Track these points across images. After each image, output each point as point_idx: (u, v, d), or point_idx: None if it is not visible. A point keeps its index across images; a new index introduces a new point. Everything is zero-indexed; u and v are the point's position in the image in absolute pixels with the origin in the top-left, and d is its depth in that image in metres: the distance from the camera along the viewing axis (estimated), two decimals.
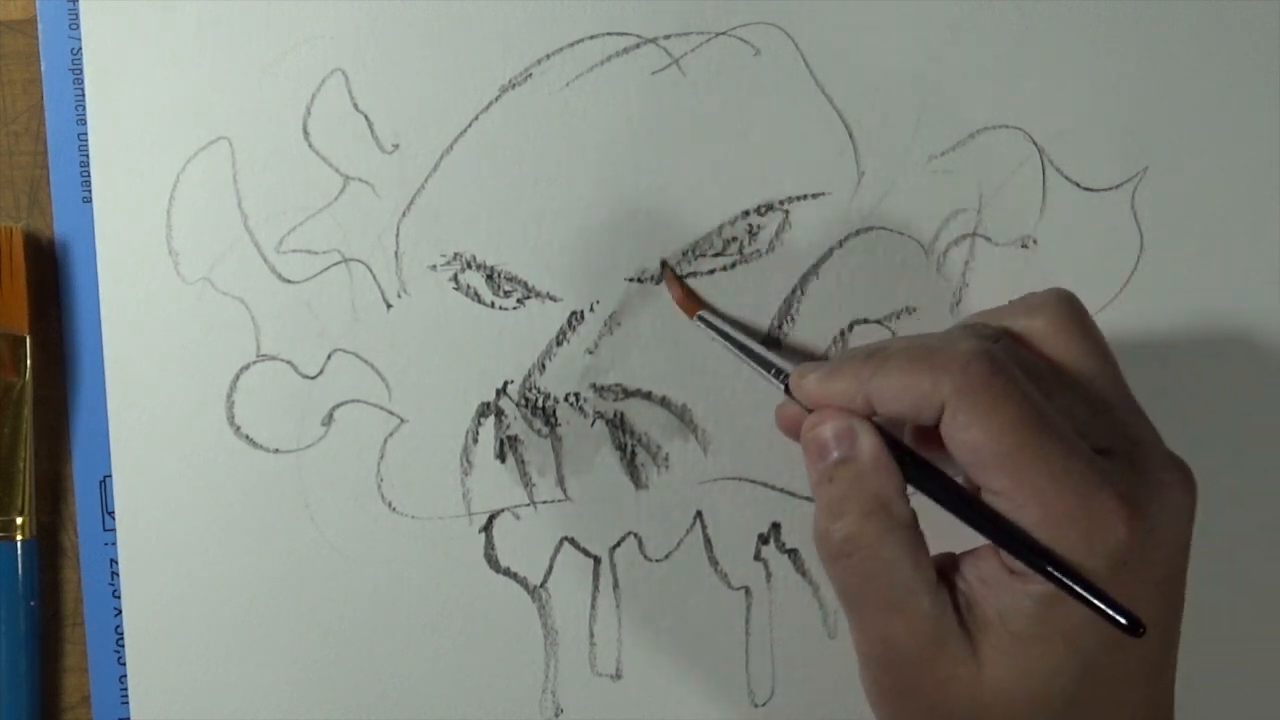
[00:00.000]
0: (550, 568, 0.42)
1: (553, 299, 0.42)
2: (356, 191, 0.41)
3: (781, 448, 0.42)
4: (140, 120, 0.41)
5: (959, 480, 0.34)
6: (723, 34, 0.42)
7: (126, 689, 0.42)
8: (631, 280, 0.42)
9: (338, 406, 0.42)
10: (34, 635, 0.42)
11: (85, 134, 0.41)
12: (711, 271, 0.42)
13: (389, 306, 0.42)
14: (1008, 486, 0.32)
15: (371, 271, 0.41)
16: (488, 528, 0.42)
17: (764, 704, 0.43)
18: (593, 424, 0.42)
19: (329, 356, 0.42)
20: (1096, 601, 0.31)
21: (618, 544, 0.42)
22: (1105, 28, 0.42)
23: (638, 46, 0.41)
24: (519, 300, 0.42)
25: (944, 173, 0.42)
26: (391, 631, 0.42)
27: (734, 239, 0.42)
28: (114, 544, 0.42)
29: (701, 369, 0.42)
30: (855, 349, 0.36)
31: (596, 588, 0.42)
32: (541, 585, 0.42)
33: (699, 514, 0.42)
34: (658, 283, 0.42)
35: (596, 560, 0.42)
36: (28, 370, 0.41)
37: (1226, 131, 0.43)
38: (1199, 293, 0.43)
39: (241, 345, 0.41)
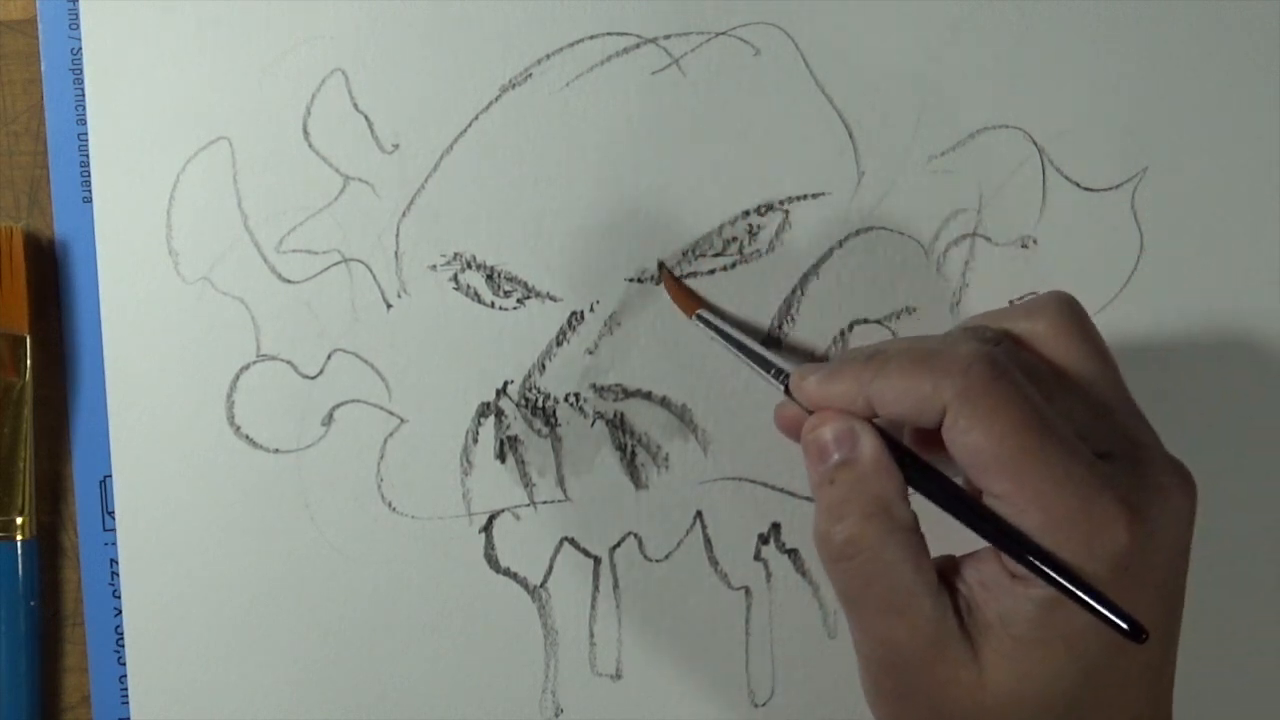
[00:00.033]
0: (550, 568, 0.42)
1: (553, 299, 0.42)
2: (356, 191, 0.41)
3: (781, 448, 0.42)
4: (140, 120, 0.41)
5: (959, 483, 0.34)
6: (723, 34, 0.42)
7: (126, 689, 0.42)
8: (631, 280, 0.42)
9: (338, 406, 0.42)
10: (34, 635, 0.42)
11: (85, 134, 0.41)
12: (711, 271, 0.42)
13: (389, 306, 0.42)
14: (1009, 490, 0.32)
15: (371, 271, 0.41)
16: (488, 528, 0.42)
17: (764, 704, 0.43)
18: (593, 424, 0.42)
19: (329, 356, 0.42)
20: (1099, 606, 0.31)
21: (618, 544, 0.42)
22: (1105, 28, 0.42)
23: (638, 46, 0.41)
24: (519, 300, 0.42)
25: (944, 173, 0.42)
26: (391, 631, 0.42)
27: (734, 239, 0.42)
28: (114, 544, 0.42)
29: (701, 369, 0.42)
30: (855, 350, 0.36)
31: (596, 588, 0.42)
32: (541, 585, 0.42)
33: (699, 514, 0.42)
34: (658, 283, 0.42)
35: (596, 560, 0.42)
36: (28, 370, 0.41)
37: (1226, 131, 0.43)
38: (1199, 293, 0.43)
39: (241, 345, 0.41)
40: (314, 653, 0.42)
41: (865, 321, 0.42)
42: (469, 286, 0.42)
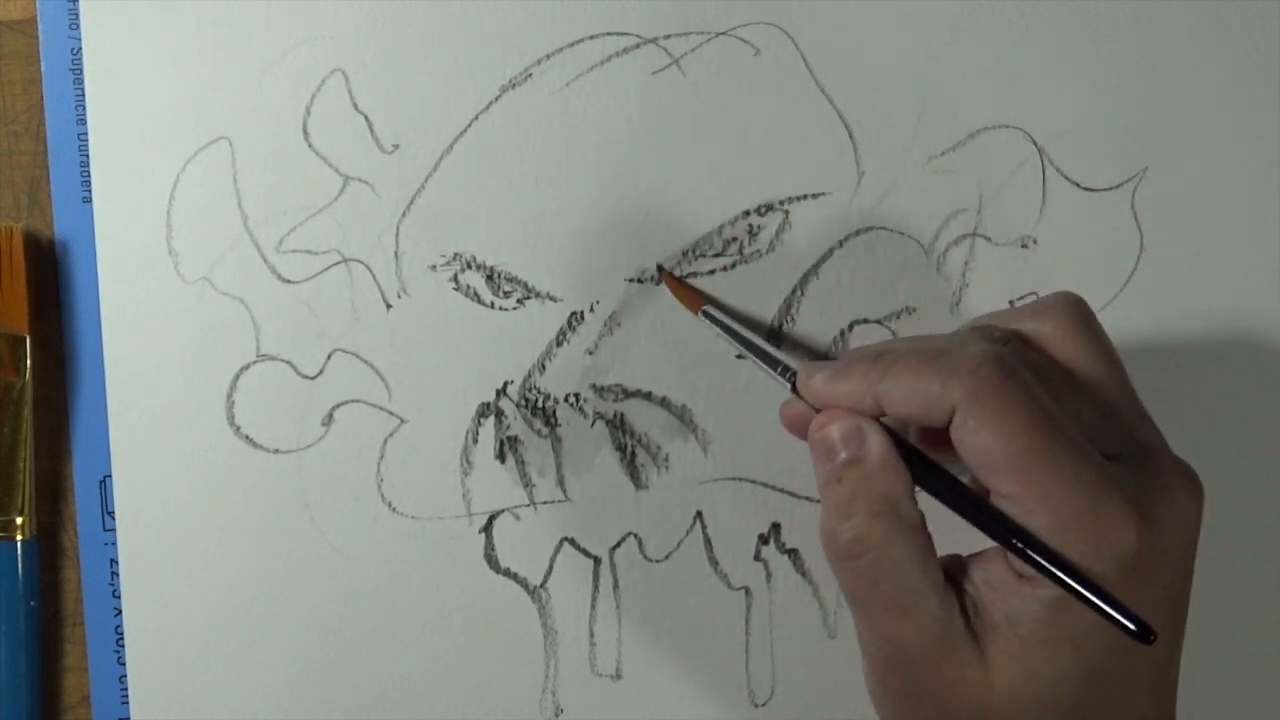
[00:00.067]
0: (550, 568, 0.42)
1: (553, 299, 0.42)
2: (356, 191, 0.41)
3: (781, 448, 0.42)
4: (140, 120, 0.41)
5: (965, 482, 0.34)
6: (723, 34, 0.42)
7: (126, 689, 0.42)
8: (631, 280, 0.42)
9: (338, 406, 0.42)
10: (34, 635, 0.42)
11: (85, 134, 0.41)
12: (711, 272, 0.42)
13: (389, 306, 0.42)
14: (1017, 490, 0.32)
15: (371, 271, 0.41)
16: (488, 528, 0.42)
17: (764, 704, 0.43)
18: (593, 424, 0.42)
19: (329, 356, 0.42)
20: (1107, 608, 0.31)
21: (618, 544, 0.42)
22: (1105, 28, 0.42)
23: (638, 46, 0.41)
24: (519, 300, 0.42)
25: (944, 173, 0.42)
26: (391, 631, 0.42)
27: (734, 239, 0.42)
28: (114, 544, 0.42)
29: (701, 369, 0.42)
30: (863, 349, 0.36)
31: (596, 588, 0.42)
32: (541, 585, 0.42)
33: (699, 514, 0.42)
34: (658, 283, 0.42)
35: (596, 560, 0.42)
36: (28, 370, 0.41)
37: (1226, 131, 0.43)
38: (1199, 293, 0.43)
39: (241, 345, 0.41)
40: (314, 653, 0.42)
41: (865, 321, 0.42)
42: (469, 287, 0.42)
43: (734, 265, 0.42)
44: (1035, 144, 0.42)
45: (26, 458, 0.41)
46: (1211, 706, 0.43)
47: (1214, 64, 0.42)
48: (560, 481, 0.42)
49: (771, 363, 0.38)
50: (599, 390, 0.42)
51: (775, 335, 0.42)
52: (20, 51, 0.42)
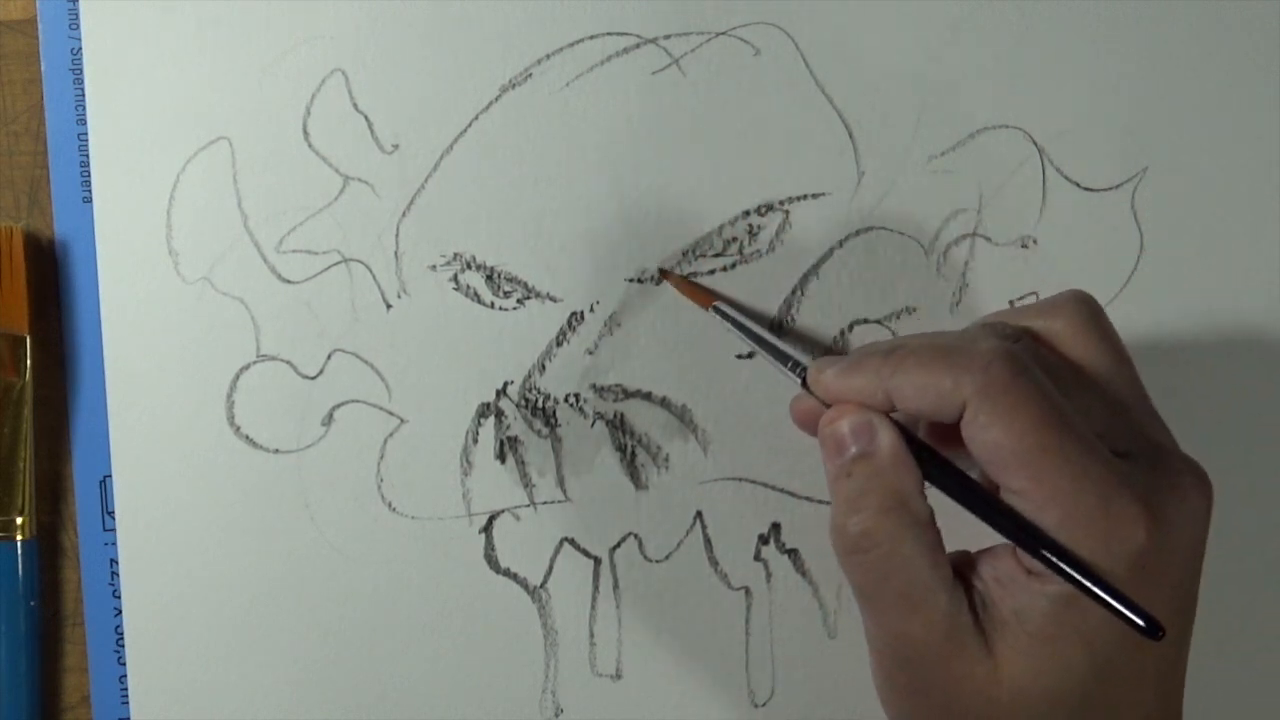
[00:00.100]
0: (550, 568, 0.42)
1: (553, 299, 0.42)
2: (356, 191, 0.41)
3: (781, 448, 0.42)
4: (140, 120, 0.41)
5: (974, 478, 0.34)
6: (723, 34, 0.42)
7: (126, 689, 0.42)
8: (631, 280, 0.42)
9: (338, 406, 0.42)
10: (34, 635, 0.42)
11: (85, 134, 0.41)
12: (711, 272, 0.42)
13: (389, 307, 0.42)
14: (1028, 487, 0.32)
15: (371, 271, 0.41)
16: (488, 528, 0.42)
17: (764, 704, 0.43)
18: (593, 424, 0.42)
19: (329, 356, 0.42)
20: (1116, 604, 0.31)
21: (618, 544, 0.42)
22: (1105, 28, 0.42)
23: (638, 46, 0.41)
24: (519, 300, 0.42)
25: (944, 173, 0.42)
26: (391, 631, 0.42)
27: (734, 239, 0.42)
28: (114, 544, 0.42)
29: (701, 369, 0.42)
30: (874, 344, 0.36)
31: (596, 588, 0.42)
32: (541, 586, 0.42)
33: (699, 514, 0.42)
34: (658, 283, 0.42)
35: (596, 561, 0.42)
36: (28, 370, 0.41)
37: (1226, 131, 0.43)
38: (1199, 293, 0.43)
39: (241, 345, 0.41)
40: (314, 653, 0.42)
41: (865, 322, 0.42)
42: (469, 287, 0.42)
43: (734, 265, 0.42)
44: (1035, 144, 0.42)
45: (26, 458, 0.41)
46: (1218, 705, 0.43)
47: (1214, 64, 0.42)
48: (560, 481, 0.42)
49: (782, 358, 0.38)
50: (599, 390, 0.42)
51: (776, 335, 0.42)
52: (20, 51, 0.42)
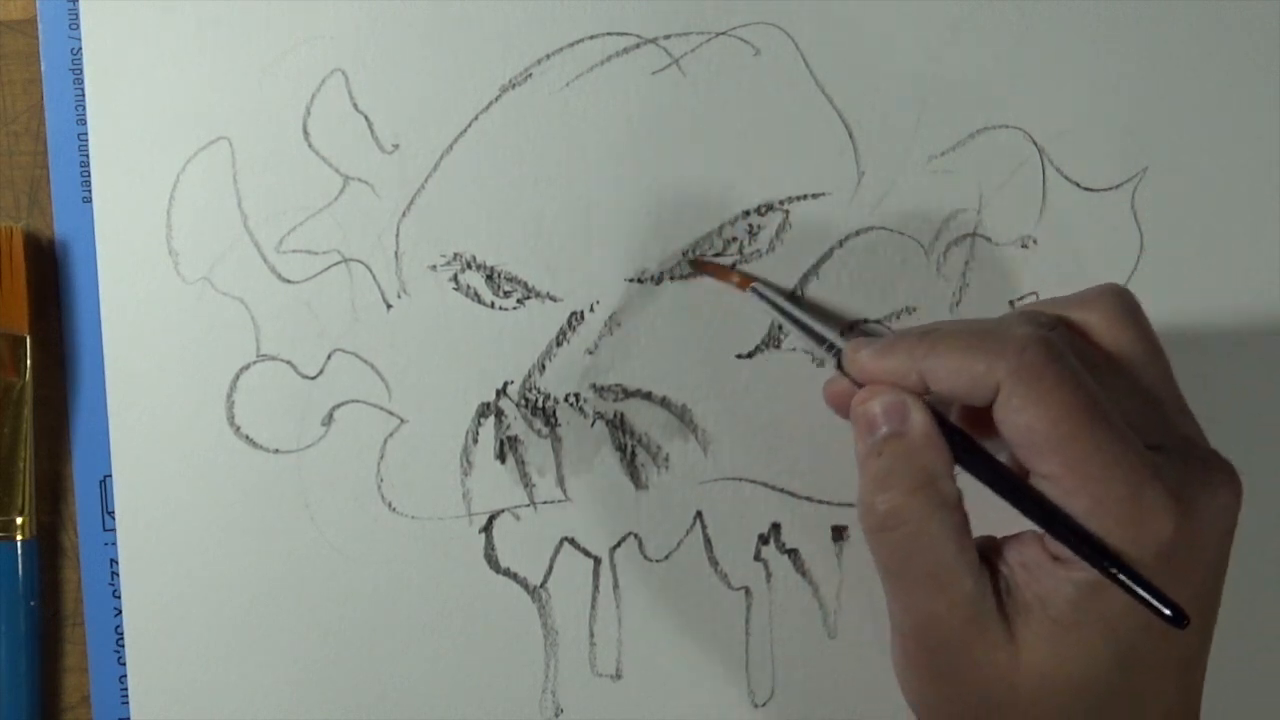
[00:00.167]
0: (550, 568, 0.42)
1: (553, 299, 0.42)
2: (356, 191, 0.41)
3: (782, 448, 0.42)
4: (140, 120, 0.41)
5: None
6: (723, 34, 0.42)
7: (126, 689, 0.42)
8: (631, 280, 0.42)
9: (338, 406, 0.42)
10: (34, 635, 0.42)
11: (85, 134, 0.41)
12: None
13: (389, 306, 0.42)
14: (1058, 472, 0.32)
15: (371, 271, 0.41)
16: (488, 528, 0.42)
17: (764, 704, 0.43)
18: (593, 424, 0.42)
19: (329, 356, 0.42)
20: (1143, 592, 0.31)
21: (618, 544, 0.42)
22: (1105, 28, 0.42)
23: (638, 46, 0.41)
24: (519, 300, 0.42)
25: (944, 173, 0.42)
26: (391, 631, 0.42)
27: (734, 239, 0.42)
28: (114, 544, 0.42)
29: (701, 369, 0.42)
30: (909, 328, 0.36)
31: (596, 588, 0.42)
32: (541, 585, 0.42)
33: (699, 514, 0.42)
34: (658, 283, 0.42)
35: (596, 560, 0.42)
36: (28, 370, 0.41)
37: (1226, 131, 0.43)
38: (1199, 293, 0.43)
39: (241, 345, 0.41)
40: (314, 653, 0.42)
41: (865, 321, 0.42)
42: (469, 286, 0.42)
43: (734, 265, 0.42)
44: (1035, 144, 0.42)
45: (26, 458, 0.41)
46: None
47: (1214, 64, 0.42)
48: (560, 481, 0.42)
49: (818, 339, 0.38)
50: (599, 390, 0.42)
51: (775, 336, 0.42)
52: (20, 51, 0.42)
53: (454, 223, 0.41)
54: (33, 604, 0.42)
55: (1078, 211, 0.42)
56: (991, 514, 0.34)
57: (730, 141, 0.42)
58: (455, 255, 0.42)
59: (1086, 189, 0.42)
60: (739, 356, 0.42)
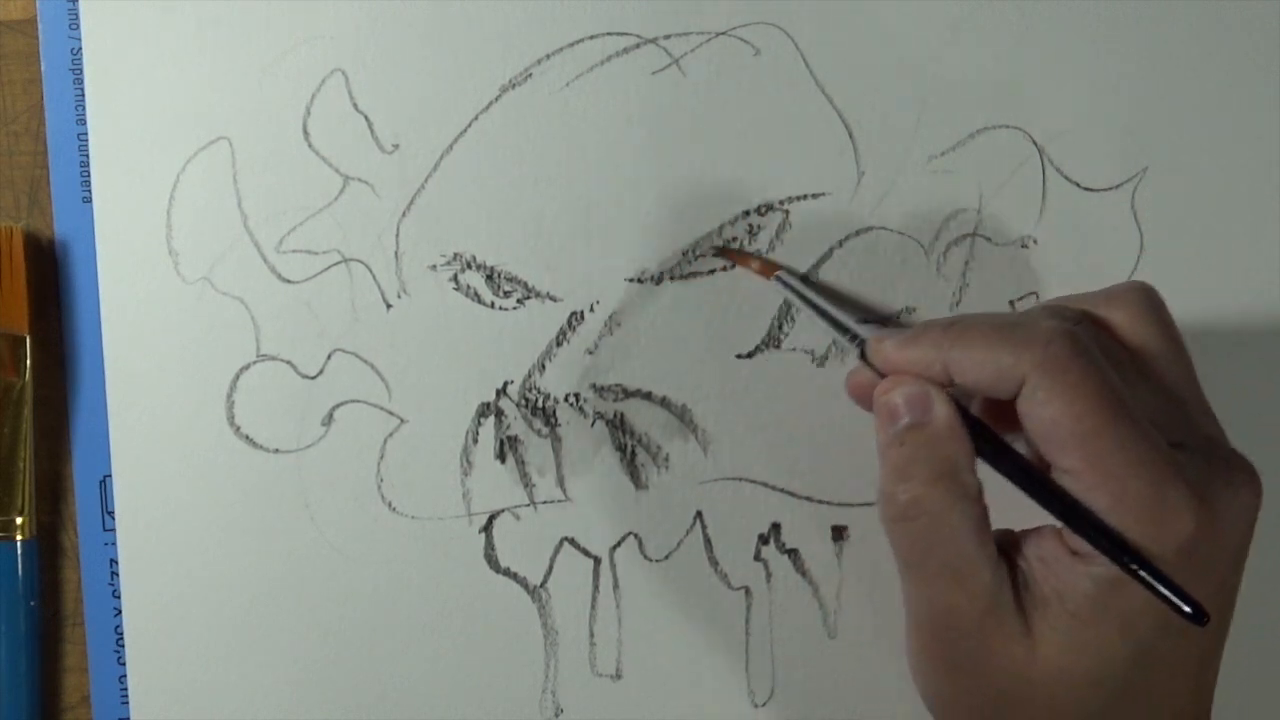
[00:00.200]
0: (550, 568, 0.42)
1: (553, 299, 0.42)
2: (356, 191, 0.41)
3: (781, 448, 0.42)
4: (140, 120, 0.41)
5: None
6: (723, 34, 0.42)
7: (126, 689, 0.42)
8: (631, 280, 0.42)
9: (338, 406, 0.42)
10: (34, 635, 0.42)
11: (85, 134, 0.41)
12: (711, 271, 0.42)
13: (389, 306, 0.42)
14: (1080, 467, 0.32)
15: (371, 271, 0.41)
16: (488, 528, 0.42)
17: (764, 704, 0.43)
18: (593, 424, 0.42)
19: (329, 356, 0.42)
20: (1163, 589, 0.31)
21: (618, 544, 0.42)
22: (1105, 28, 0.42)
23: (638, 46, 0.41)
24: (519, 300, 0.42)
25: (944, 173, 0.42)
26: (391, 631, 0.42)
27: (734, 239, 0.42)
28: (114, 544, 0.42)
29: (701, 369, 0.42)
30: (934, 320, 0.36)
31: (596, 588, 0.42)
32: (541, 585, 0.42)
33: (699, 514, 0.42)
34: (658, 283, 0.42)
35: (596, 560, 0.42)
36: (28, 370, 0.41)
37: (1226, 131, 0.43)
38: (1199, 293, 0.43)
39: (241, 345, 0.41)
40: (314, 653, 0.42)
41: (865, 322, 0.42)
42: (469, 286, 0.42)
43: (734, 265, 0.42)
44: (1035, 144, 0.42)
45: (26, 458, 0.41)
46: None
47: (1214, 64, 0.42)
48: (560, 481, 0.42)
49: (841, 329, 0.38)
50: (599, 390, 0.42)
51: (775, 336, 0.42)
52: (20, 51, 0.42)
53: (454, 223, 0.41)
54: (33, 604, 0.42)
55: (1078, 211, 0.42)
56: (1009, 509, 0.34)
57: (730, 141, 0.42)
58: (455, 255, 0.42)
59: (1086, 189, 0.42)
60: (739, 356, 0.42)
